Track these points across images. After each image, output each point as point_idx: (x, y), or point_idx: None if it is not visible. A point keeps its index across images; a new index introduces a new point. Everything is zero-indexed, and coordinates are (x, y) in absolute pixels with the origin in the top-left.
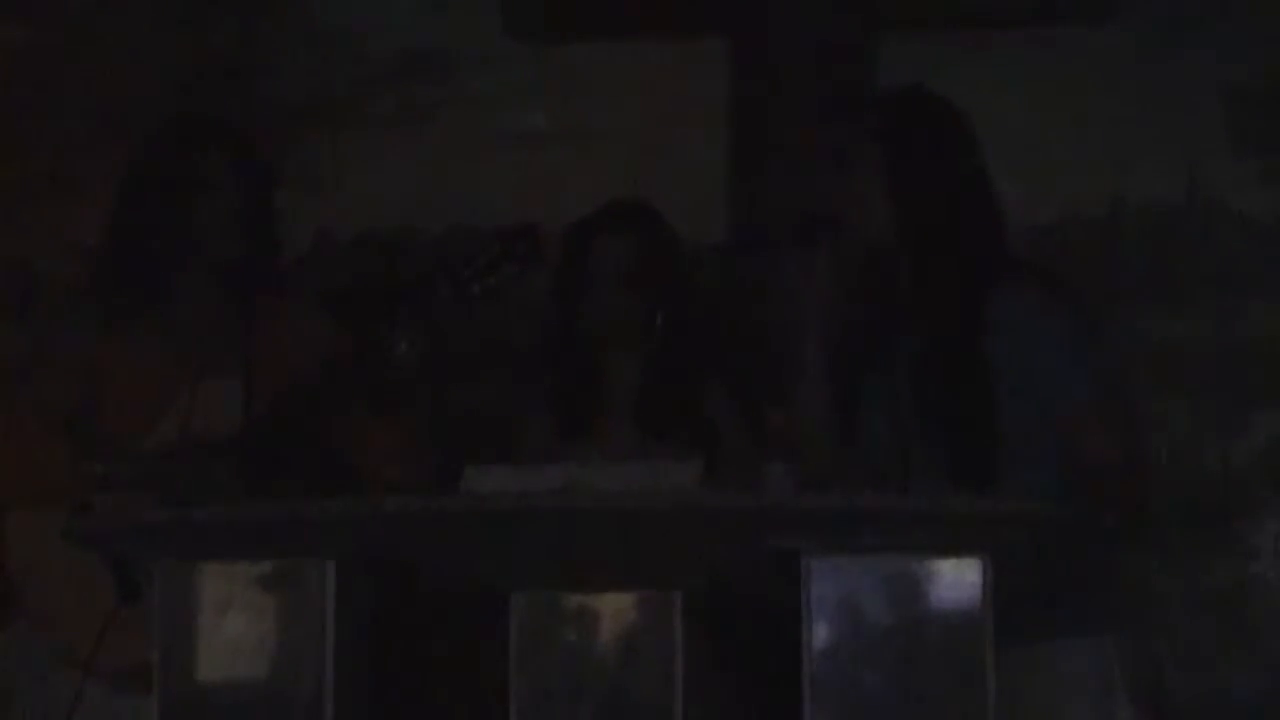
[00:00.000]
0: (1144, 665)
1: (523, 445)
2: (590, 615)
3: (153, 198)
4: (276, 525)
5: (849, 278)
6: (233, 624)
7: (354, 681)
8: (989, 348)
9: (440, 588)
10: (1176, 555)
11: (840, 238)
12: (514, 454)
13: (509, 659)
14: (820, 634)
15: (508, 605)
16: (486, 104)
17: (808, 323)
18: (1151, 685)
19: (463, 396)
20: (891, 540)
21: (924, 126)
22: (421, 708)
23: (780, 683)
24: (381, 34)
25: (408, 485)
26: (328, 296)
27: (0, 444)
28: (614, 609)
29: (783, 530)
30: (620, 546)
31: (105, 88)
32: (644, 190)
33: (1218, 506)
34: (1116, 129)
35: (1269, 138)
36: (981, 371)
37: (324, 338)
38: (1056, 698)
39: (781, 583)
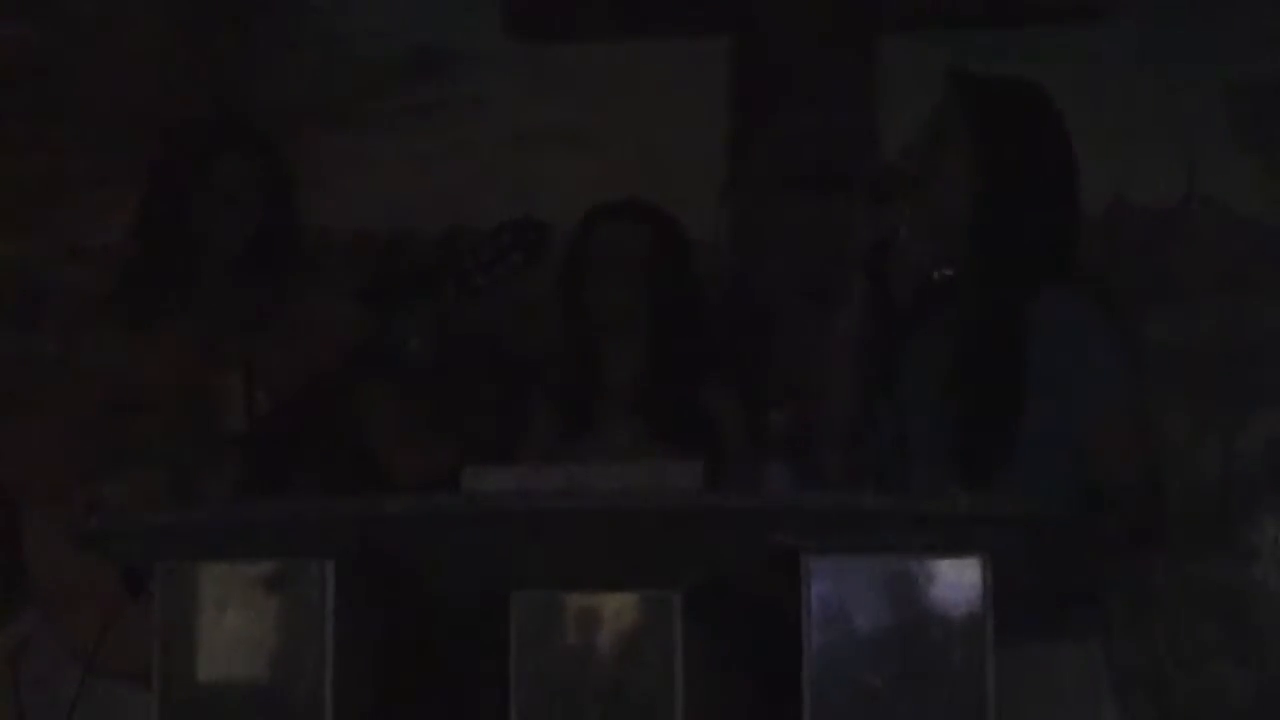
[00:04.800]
0: (1139, 666)
1: (523, 445)
2: (590, 615)
3: (175, 199)
4: (276, 525)
5: (890, 302)
6: (233, 624)
7: (354, 681)
8: (1029, 346)
9: (440, 588)
10: (1176, 555)
11: (921, 205)
12: (514, 454)
13: (509, 659)
14: (820, 634)
15: (508, 605)
16: (486, 104)
17: (839, 331)
18: (1147, 686)
19: (463, 395)
20: (891, 540)
21: (1022, 112)
22: (421, 708)
23: (780, 683)
24: (381, 34)
25: (424, 474)
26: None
27: (24, 444)
28: (614, 609)
29: (783, 530)
30: (620, 546)
31: (106, 88)
32: (644, 190)
33: (1218, 506)
34: (1116, 129)
35: (1269, 138)
36: (1014, 371)
37: (342, 327)
38: (1051, 698)
39: (782, 582)
